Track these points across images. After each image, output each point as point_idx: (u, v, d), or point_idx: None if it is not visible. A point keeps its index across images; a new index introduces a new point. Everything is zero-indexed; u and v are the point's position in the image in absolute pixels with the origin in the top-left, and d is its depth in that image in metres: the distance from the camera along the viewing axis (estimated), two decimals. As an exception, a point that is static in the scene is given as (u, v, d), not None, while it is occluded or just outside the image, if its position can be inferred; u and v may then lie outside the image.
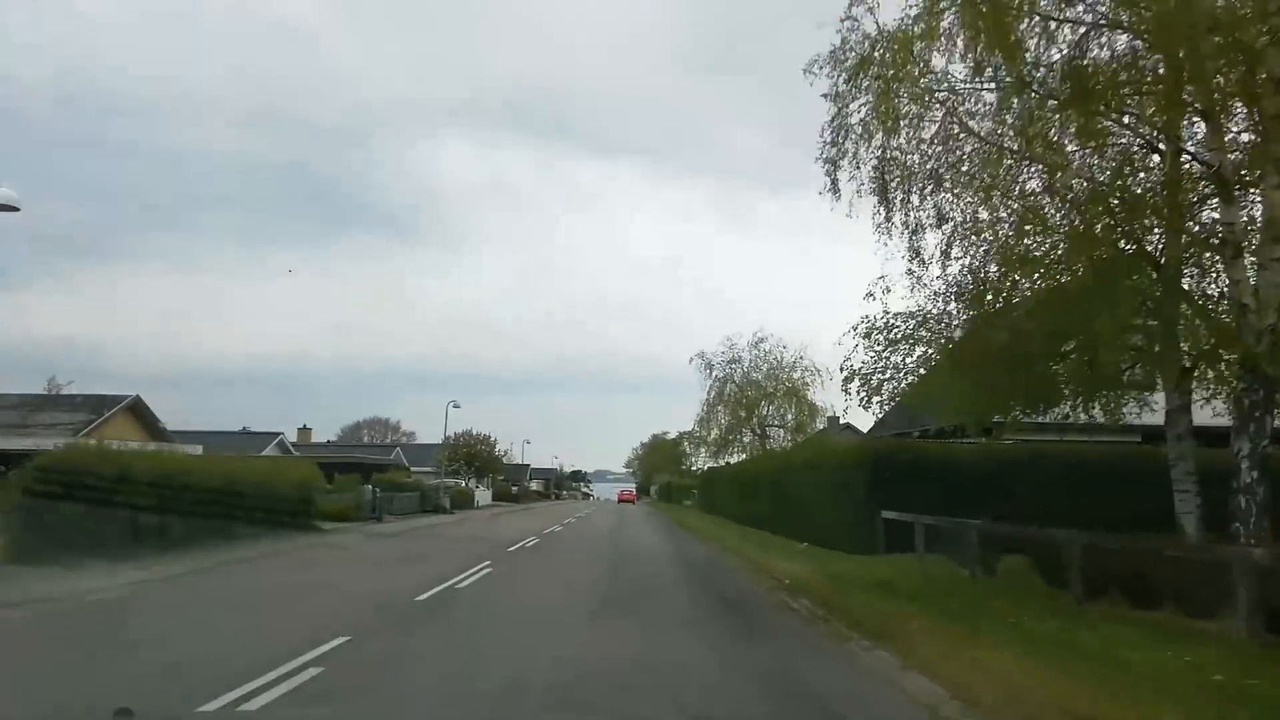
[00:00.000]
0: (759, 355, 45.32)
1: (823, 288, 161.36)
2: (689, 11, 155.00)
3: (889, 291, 13.04)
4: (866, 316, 12.92)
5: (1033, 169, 10.17)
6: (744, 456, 44.34)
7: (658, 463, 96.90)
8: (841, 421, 48.68)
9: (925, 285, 11.71)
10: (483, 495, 62.56)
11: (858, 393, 13.02)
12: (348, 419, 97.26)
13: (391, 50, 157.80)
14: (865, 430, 42.88)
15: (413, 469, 55.42)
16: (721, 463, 48.67)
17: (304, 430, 66.51)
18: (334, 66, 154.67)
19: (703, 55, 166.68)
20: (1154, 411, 13.71)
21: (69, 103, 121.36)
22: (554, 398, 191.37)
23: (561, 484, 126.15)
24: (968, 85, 10.53)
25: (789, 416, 44.95)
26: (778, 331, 62.54)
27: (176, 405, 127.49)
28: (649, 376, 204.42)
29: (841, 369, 13.18)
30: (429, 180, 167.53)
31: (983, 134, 10.44)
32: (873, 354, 12.88)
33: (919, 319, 12.54)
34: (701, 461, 59.13)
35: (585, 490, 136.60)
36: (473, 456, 58.87)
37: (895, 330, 12.81)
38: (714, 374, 46.58)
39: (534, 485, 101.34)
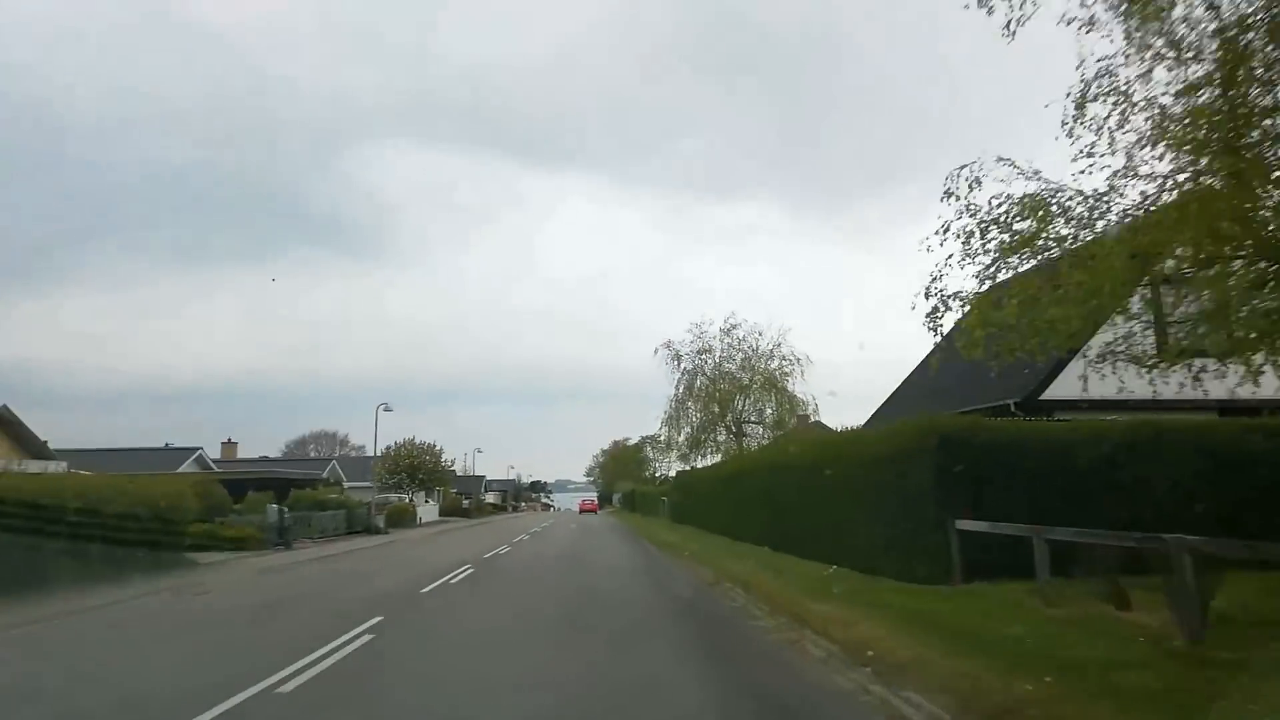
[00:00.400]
0: (731, 344, 40.39)
1: (797, 296, 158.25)
2: (651, 11, 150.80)
3: (978, 185, 8.22)
4: (971, 205, 8.03)
5: None
6: (719, 458, 39.22)
7: (620, 470, 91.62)
8: (813, 419, 43.93)
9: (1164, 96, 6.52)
10: (429, 510, 56.78)
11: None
12: (296, 434, 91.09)
13: (336, 60, 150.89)
14: (837, 428, 38.42)
15: (351, 484, 49.67)
16: (691, 466, 43.59)
17: (229, 445, 59.95)
18: (278, 75, 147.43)
19: (665, 60, 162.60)
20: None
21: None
22: (512, 408, 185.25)
23: (520, 495, 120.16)
24: None
25: (768, 411, 39.98)
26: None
27: (117, 422, 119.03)
28: (612, 385, 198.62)
29: (927, 294, 8.24)
30: (379, 193, 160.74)
31: None
32: (982, 267, 7.98)
33: (1060, 204, 7.63)
34: (669, 467, 53.98)
35: (546, 501, 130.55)
36: (415, 468, 52.93)
37: (1016, 229, 7.89)
38: (682, 366, 41.48)
39: (490, 497, 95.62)
